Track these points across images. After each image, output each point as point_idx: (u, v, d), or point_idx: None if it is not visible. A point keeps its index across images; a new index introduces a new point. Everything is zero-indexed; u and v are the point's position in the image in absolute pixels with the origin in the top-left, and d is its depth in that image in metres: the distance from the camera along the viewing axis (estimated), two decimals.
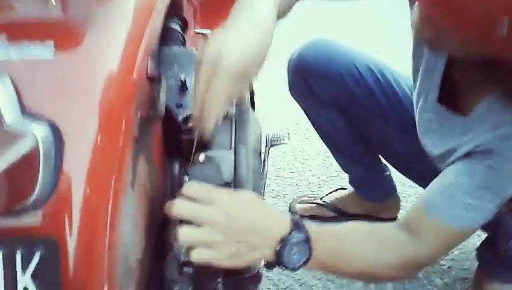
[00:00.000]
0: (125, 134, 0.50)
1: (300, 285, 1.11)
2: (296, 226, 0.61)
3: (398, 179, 1.24)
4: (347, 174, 1.26)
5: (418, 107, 0.84)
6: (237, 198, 0.59)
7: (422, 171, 0.94)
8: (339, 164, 1.24)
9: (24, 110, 0.44)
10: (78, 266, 0.43)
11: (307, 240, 0.61)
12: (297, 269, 0.62)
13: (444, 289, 1.11)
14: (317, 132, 1.17)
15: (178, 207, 0.57)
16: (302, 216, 1.30)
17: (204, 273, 0.70)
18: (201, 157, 0.64)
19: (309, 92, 1.04)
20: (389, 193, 1.25)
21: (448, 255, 1.19)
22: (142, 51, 0.54)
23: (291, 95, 1.10)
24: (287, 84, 1.10)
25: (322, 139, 1.18)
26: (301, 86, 1.05)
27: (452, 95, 0.78)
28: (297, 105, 1.14)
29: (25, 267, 0.42)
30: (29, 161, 0.43)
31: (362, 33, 2.33)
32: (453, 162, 0.73)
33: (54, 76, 0.46)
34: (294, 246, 0.60)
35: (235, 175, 0.64)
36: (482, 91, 0.71)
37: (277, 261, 0.60)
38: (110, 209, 0.47)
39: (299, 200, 1.33)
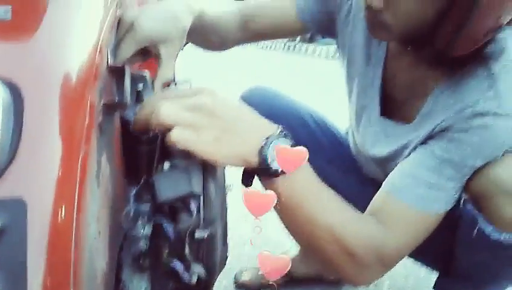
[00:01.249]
0: (90, 113, 0.44)
1: None
2: (285, 133, 0.57)
3: None
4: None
5: (361, 125, 0.86)
6: (223, 95, 0.57)
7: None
8: None
9: None
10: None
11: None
12: (276, 173, 0.57)
13: None
14: None
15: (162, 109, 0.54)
16: (250, 288, 1.21)
17: None
18: (166, 165, 0.58)
19: None
20: None
21: None
22: (105, 34, 0.50)
23: None
24: None
25: None
26: None
27: (393, 108, 0.81)
28: None
29: None
30: None
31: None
32: (409, 154, 0.73)
33: (12, 38, 0.41)
34: (284, 138, 0.56)
35: (204, 188, 0.58)
36: (424, 91, 0.74)
37: (259, 159, 0.55)
38: (77, 187, 0.39)
39: (244, 272, 1.25)
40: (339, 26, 0.88)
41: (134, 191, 0.57)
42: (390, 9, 0.64)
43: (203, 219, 0.57)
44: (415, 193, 0.68)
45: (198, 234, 0.56)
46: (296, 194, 0.60)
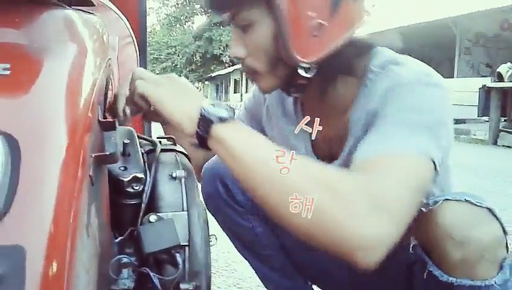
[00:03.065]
0: (82, 165, 0.45)
1: None
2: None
3: None
4: None
5: None
6: None
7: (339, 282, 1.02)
8: (262, 279, 1.18)
9: None
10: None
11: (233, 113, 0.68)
12: (220, 120, 0.65)
13: None
14: (237, 246, 1.13)
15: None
16: None
17: None
18: (153, 217, 0.59)
19: (228, 200, 1.03)
20: None
21: None
22: (96, 91, 0.52)
23: (207, 207, 1.07)
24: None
25: (242, 252, 1.14)
26: (219, 194, 1.03)
27: (331, 150, 0.88)
28: None
29: None
30: None
31: None
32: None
33: (9, 92, 0.42)
34: (219, 106, 0.67)
35: (189, 240, 0.59)
36: (344, 123, 0.82)
37: (200, 112, 0.66)
38: (69, 239, 0.39)
39: None
40: (265, 124, 1.01)
41: (119, 242, 0.57)
42: (249, 55, 0.78)
43: (188, 271, 0.58)
44: (394, 139, 0.67)
45: (184, 287, 0.57)
46: (242, 134, 0.66)
